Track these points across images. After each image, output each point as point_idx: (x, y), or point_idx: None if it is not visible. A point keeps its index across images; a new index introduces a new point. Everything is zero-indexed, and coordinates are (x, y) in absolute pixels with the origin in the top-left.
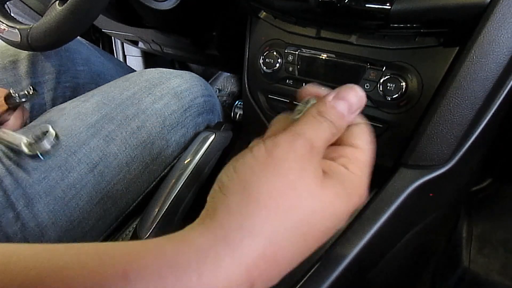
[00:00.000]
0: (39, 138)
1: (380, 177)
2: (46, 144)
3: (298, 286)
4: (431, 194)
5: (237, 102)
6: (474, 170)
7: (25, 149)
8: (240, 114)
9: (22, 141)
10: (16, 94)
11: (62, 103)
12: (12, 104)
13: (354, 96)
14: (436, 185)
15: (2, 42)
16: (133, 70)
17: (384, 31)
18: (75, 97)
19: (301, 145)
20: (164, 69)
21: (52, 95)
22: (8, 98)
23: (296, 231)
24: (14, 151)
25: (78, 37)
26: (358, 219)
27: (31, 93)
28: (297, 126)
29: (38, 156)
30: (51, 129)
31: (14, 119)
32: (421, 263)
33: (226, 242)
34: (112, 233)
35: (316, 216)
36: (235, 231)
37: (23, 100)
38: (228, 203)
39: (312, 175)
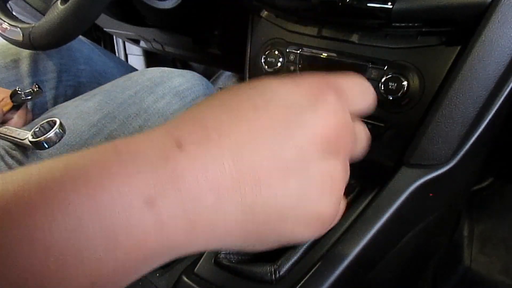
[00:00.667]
0: (45, 129)
1: (382, 176)
2: (52, 135)
3: (299, 285)
4: (431, 194)
5: None
6: (475, 169)
7: (30, 138)
8: None
9: (28, 134)
10: (21, 92)
11: (63, 101)
12: (17, 102)
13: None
14: (438, 184)
15: (4, 41)
16: (135, 69)
17: (386, 30)
18: (76, 95)
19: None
20: (165, 68)
21: (54, 94)
22: (13, 95)
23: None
24: (17, 147)
25: (80, 36)
26: (359, 218)
27: (35, 90)
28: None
29: (42, 145)
30: (58, 121)
31: (17, 117)
32: (422, 262)
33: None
34: None
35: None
36: None
37: (28, 97)
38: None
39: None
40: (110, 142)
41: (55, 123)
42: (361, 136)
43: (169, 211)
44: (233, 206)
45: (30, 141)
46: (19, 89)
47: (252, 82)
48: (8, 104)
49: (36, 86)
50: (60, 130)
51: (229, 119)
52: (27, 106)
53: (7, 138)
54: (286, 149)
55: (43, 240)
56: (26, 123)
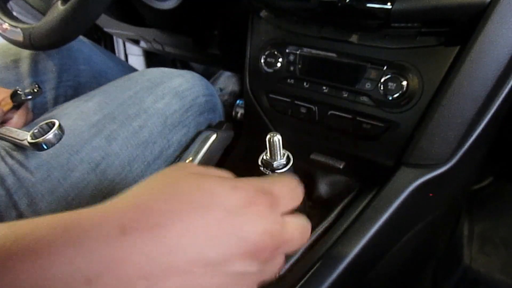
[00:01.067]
0: (44, 130)
1: (381, 176)
2: (51, 136)
3: (298, 285)
4: (430, 194)
5: (238, 102)
6: (475, 168)
7: (29, 138)
8: (241, 114)
9: (27, 135)
10: (22, 92)
11: (63, 102)
12: (17, 102)
13: None
14: (437, 184)
15: (4, 41)
16: (135, 69)
17: (385, 30)
18: (76, 96)
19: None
20: (165, 68)
21: (54, 94)
22: (13, 95)
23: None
24: (17, 148)
25: (80, 36)
26: (359, 218)
27: (35, 90)
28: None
29: (41, 146)
30: (57, 123)
31: (17, 117)
32: (422, 262)
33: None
34: None
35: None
36: None
37: (28, 97)
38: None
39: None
40: (60, 215)
41: (54, 124)
42: (295, 233)
43: None
44: None
45: (29, 142)
46: (19, 89)
47: (194, 178)
48: (8, 104)
49: (36, 86)
50: (59, 131)
51: (171, 214)
52: (27, 106)
53: (6, 138)
54: (213, 250)
55: None
56: (26, 123)
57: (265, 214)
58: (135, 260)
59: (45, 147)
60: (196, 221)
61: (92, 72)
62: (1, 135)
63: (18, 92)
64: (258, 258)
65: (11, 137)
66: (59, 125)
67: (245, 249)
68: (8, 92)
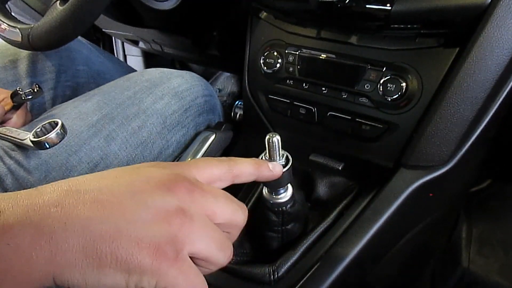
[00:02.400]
0: (47, 130)
1: (380, 177)
2: (54, 135)
3: (297, 286)
4: (430, 194)
5: (237, 102)
6: (474, 170)
7: (31, 137)
8: (240, 114)
9: (28, 134)
10: (22, 92)
11: (62, 102)
12: (17, 102)
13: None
14: (436, 185)
15: (2, 41)
16: (133, 70)
17: (385, 31)
18: (75, 96)
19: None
20: (164, 69)
21: (52, 94)
22: (14, 95)
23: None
24: (16, 148)
25: (79, 37)
26: (358, 219)
27: (36, 90)
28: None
29: (44, 145)
30: (60, 122)
31: (16, 117)
32: (421, 263)
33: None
34: None
35: None
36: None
37: (29, 97)
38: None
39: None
40: None
41: (57, 124)
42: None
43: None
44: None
45: (31, 141)
46: (20, 89)
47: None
48: (9, 104)
49: (37, 86)
50: (62, 131)
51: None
52: (26, 107)
53: (7, 138)
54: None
55: None
56: (25, 123)
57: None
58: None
59: (47, 146)
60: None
61: (91, 73)
62: (1, 135)
63: (19, 92)
64: (173, 192)
65: (11, 136)
66: (62, 124)
67: (158, 183)
68: (8, 92)
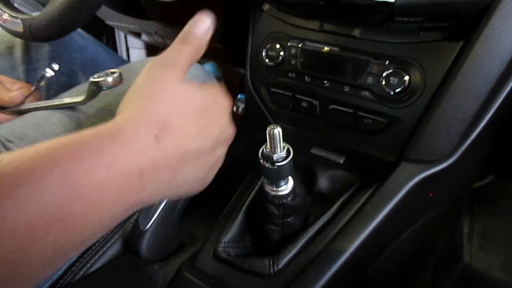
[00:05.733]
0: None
1: (382, 171)
2: (110, 79)
3: (297, 279)
4: (430, 194)
5: (239, 96)
6: (476, 166)
7: (91, 79)
8: (242, 108)
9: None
10: (46, 72)
11: (56, 88)
12: (43, 81)
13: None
14: (438, 180)
15: None
16: (127, 61)
17: (388, 25)
18: (69, 83)
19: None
20: None
21: (47, 81)
22: (41, 79)
23: (172, 106)
24: (13, 139)
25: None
26: (358, 213)
27: (57, 69)
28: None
29: (100, 86)
30: (118, 71)
31: (28, 101)
32: (422, 259)
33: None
34: None
35: (182, 96)
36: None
37: (52, 74)
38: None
39: (176, 81)
40: (96, 129)
41: (115, 72)
42: None
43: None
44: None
45: (92, 81)
46: (45, 71)
47: (179, 86)
48: (27, 88)
49: (57, 65)
50: (119, 77)
51: (178, 120)
52: (36, 87)
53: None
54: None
55: (59, 188)
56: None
57: None
58: (168, 156)
59: (104, 88)
60: (190, 127)
61: (85, 60)
62: (46, 105)
63: (45, 75)
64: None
65: (63, 103)
66: (120, 73)
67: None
68: (21, 83)
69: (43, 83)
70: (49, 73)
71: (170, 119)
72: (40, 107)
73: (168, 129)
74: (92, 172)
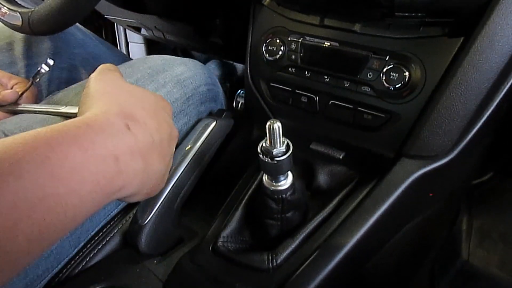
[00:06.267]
0: None
1: (381, 167)
2: None
3: (295, 274)
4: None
5: (239, 91)
6: (475, 163)
7: None
8: (242, 103)
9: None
10: (40, 68)
11: (58, 84)
12: (39, 78)
13: None
14: (437, 176)
15: None
16: (127, 56)
17: (389, 20)
18: (71, 78)
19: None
20: (167, 56)
21: (48, 77)
22: (35, 75)
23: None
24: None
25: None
26: (357, 208)
27: (52, 64)
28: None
29: None
30: None
31: (25, 97)
32: (420, 255)
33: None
34: (111, 219)
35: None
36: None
37: (47, 70)
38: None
39: (125, 82)
40: (69, 122)
41: None
42: None
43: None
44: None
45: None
46: (39, 68)
47: (126, 84)
48: (21, 86)
49: (51, 60)
50: None
51: (142, 112)
52: (32, 84)
53: (51, 112)
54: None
55: (58, 169)
56: (35, 100)
57: None
58: (139, 143)
59: None
60: (151, 120)
61: (86, 56)
62: (42, 109)
63: (40, 71)
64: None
65: (55, 111)
66: None
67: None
68: (19, 78)
69: (38, 79)
70: (44, 68)
71: (135, 111)
72: (38, 111)
73: (135, 120)
74: (69, 155)
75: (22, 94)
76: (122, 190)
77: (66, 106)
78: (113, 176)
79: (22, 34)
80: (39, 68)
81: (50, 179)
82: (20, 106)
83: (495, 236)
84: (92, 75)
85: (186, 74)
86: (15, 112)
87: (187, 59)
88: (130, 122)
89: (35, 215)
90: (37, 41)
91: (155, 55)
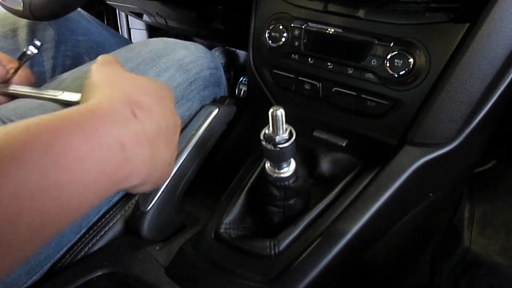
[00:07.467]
0: None
1: (384, 154)
2: None
3: (297, 261)
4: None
5: (241, 79)
6: (478, 150)
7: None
8: (244, 91)
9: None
10: (27, 50)
11: (62, 71)
12: (26, 58)
13: None
14: (441, 164)
15: (2, 9)
16: (131, 43)
17: (393, 5)
18: (75, 66)
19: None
20: (169, 39)
21: (52, 64)
22: (22, 56)
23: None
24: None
25: (79, 8)
26: (360, 196)
27: (39, 45)
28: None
29: None
30: None
31: (18, 77)
32: (422, 242)
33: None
34: (114, 206)
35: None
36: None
37: (36, 52)
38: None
39: (126, 72)
40: (74, 108)
41: None
42: None
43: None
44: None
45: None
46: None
47: (128, 74)
48: (14, 62)
49: (39, 42)
50: None
51: (147, 100)
52: (29, 66)
53: (40, 96)
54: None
55: (65, 157)
56: (29, 83)
57: None
58: (146, 130)
59: None
60: (157, 107)
61: (90, 43)
62: (38, 94)
63: (26, 52)
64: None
65: (53, 97)
66: None
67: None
68: (19, 62)
69: (25, 60)
70: (31, 50)
71: (140, 98)
72: (34, 95)
73: (141, 107)
74: (73, 143)
75: (15, 71)
76: (129, 179)
77: (64, 92)
78: (119, 164)
79: (26, 21)
80: (25, 49)
81: (54, 168)
82: (11, 87)
83: (497, 224)
84: (93, 66)
85: (189, 58)
86: (8, 95)
87: (189, 42)
88: (136, 109)
89: (37, 205)
90: (42, 28)
91: (156, 38)
